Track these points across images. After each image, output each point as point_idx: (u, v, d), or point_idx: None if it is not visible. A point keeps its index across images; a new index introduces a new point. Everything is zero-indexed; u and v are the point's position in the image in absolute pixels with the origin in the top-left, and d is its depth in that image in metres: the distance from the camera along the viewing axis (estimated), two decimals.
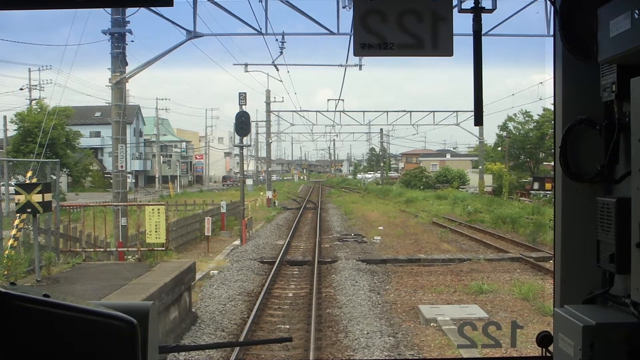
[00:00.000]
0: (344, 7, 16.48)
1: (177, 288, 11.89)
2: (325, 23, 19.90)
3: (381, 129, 79.98)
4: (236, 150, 45.57)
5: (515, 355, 7.81)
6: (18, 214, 12.38)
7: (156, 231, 15.06)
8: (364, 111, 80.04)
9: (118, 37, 18.85)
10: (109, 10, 18.26)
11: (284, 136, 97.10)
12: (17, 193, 11.45)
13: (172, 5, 2.13)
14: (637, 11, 2.15)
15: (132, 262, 14.93)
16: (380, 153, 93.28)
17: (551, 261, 16.00)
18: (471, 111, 3.77)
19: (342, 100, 61.01)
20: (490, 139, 69.11)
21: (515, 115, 59.53)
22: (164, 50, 19.93)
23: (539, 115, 57.14)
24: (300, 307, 14.24)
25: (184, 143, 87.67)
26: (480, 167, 54.76)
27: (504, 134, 60.25)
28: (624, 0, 2.26)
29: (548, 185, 44.77)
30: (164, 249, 15.52)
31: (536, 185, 49.59)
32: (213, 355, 10.17)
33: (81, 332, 1.56)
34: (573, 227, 2.77)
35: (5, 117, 43.96)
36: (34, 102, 52.48)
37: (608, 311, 2.55)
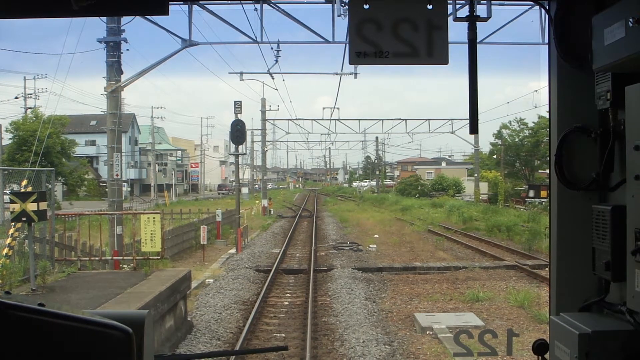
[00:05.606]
0: (339, 16, 16.44)
1: (172, 297, 11.85)
2: (320, 31, 19.91)
3: (376, 137, 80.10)
4: (232, 159, 45.50)
5: None
6: (13, 223, 12.33)
7: (152, 240, 15.02)
8: (359, 119, 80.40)
9: (113, 46, 18.83)
10: (104, 18, 18.27)
11: (279, 144, 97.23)
12: (12, 202, 11.40)
13: (168, 14, 2.15)
14: (631, 19, 2.16)
15: (127, 270, 14.88)
16: (376, 161, 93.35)
17: (547, 269, 16.00)
18: (466, 119, 3.78)
19: (338, 108, 61.15)
20: (486, 147, 69.23)
21: (510, 123, 59.65)
22: (159, 59, 19.94)
23: (534, 122, 57.28)
24: (296, 316, 14.21)
25: (180, 151, 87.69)
26: (475, 175, 54.83)
27: (499, 142, 60.35)
28: (618, 8, 2.27)
29: (543, 193, 44.84)
30: (159, 257, 15.48)
31: (531, 193, 49.65)
32: None
33: (77, 342, 1.55)
34: (568, 234, 2.77)
35: (0, 125, 43.83)
36: (29, 110, 52.44)
37: (604, 319, 2.55)
